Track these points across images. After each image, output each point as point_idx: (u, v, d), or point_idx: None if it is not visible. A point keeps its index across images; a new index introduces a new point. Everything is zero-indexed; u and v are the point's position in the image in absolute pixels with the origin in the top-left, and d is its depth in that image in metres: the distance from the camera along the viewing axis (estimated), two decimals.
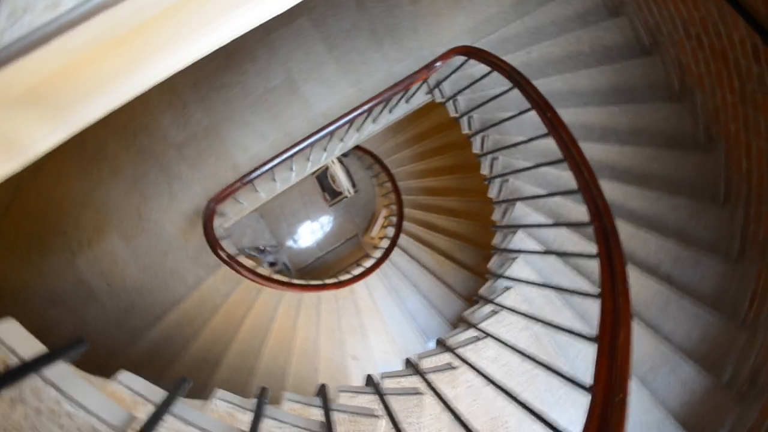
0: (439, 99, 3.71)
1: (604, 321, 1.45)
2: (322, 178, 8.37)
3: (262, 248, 8.25)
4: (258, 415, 1.20)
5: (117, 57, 0.76)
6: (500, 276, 2.67)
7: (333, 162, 7.72)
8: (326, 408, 1.36)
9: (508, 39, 3.63)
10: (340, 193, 8.25)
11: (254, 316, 4.21)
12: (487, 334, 2.19)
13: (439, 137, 6.99)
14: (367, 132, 3.91)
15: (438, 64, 2.98)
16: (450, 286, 5.78)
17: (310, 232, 8.86)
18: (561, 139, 2.24)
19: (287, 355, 4.06)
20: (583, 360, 2.58)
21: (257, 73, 3.59)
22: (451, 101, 3.58)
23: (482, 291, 2.81)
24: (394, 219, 6.76)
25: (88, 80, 0.77)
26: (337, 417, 1.54)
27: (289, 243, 8.72)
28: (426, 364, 2.15)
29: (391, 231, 6.56)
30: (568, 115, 3.27)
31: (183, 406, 1.16)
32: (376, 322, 5.81)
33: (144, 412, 0.97)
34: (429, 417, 1.91)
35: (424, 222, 6.75)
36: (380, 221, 7.83)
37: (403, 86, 3.03)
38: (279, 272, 7.96)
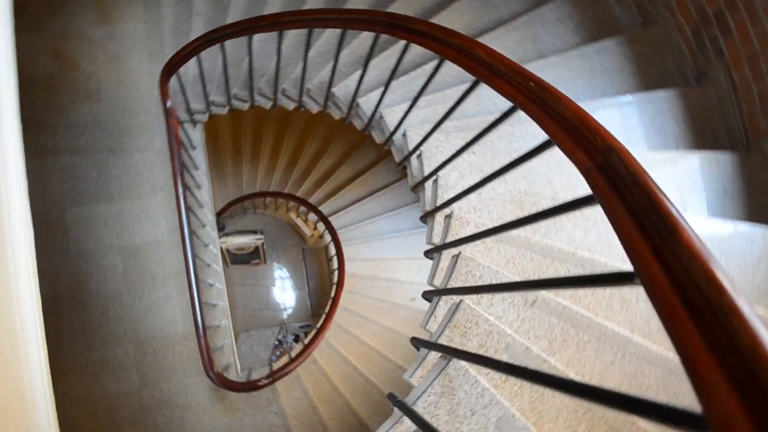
0: (203, 118, 3.61)
1: (467, 65, 1.50)
2: (234, 257, 8.19)
3: (278, 342, 8.18)
4: (410, 411, 1.24)
5: None
6: (392, 133, 2.69)
7: (224, 241, 7.54)
8: (429, 345, 1.41)
9: (177, 28, 3.52)
10: (256, 247, 8.11)
11: (335, 374, 4.24)
12: (439, 168, 2.24)
13: (247, 135, 6.88)
14: (206, 199, 3.82)
15: (169, 104, 2.88)
16: (390, 184, 5.88)
17: (283, 291, 8.78)
18: (287, 24, 2.25)
19: (383, 359, 4.13)
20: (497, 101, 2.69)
21: (104, 279, 3.41)
22: (212, 107, 3.49)
23: (397, 159, 2.82)
24: (302, 208, 6.73)
25: None
26: (444, 340, 1.60)
27: (284, 314, 8.64)
28: (436, 238, 2.21)
29: (313, 216, 6.55)
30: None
31: None
32: (392, 266, 5.91)
33: None
34: (489, 259, 1.99)
35: (318, 182, 6.75)
36: (300, 222, 7.79)
37: (176, 148, 2.91)
38: (306, 335, 7.95)
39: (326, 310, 5.22)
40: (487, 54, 1.37)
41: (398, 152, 2.74)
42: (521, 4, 3.05)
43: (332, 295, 5.42)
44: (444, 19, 3.06)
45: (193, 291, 3.04)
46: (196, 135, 3.71)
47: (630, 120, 2.77)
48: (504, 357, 1.56)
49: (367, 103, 2.87)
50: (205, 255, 3.70)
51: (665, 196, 0.73)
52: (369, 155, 6.21)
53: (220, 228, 7.37)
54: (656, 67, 2.93)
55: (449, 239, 2.01)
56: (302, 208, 6.78)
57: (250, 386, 3.40)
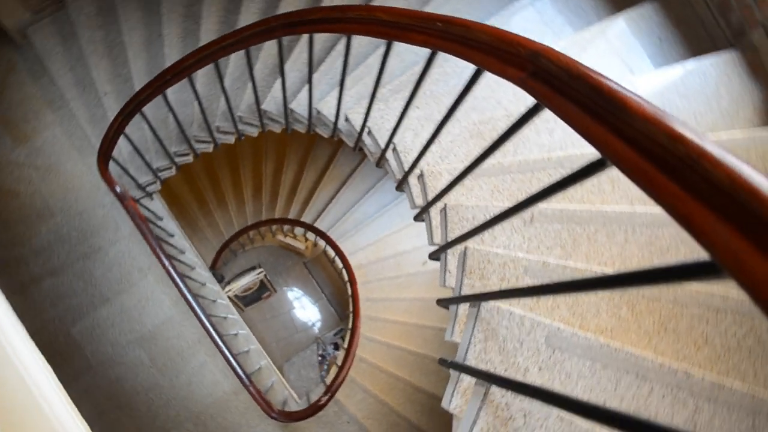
0: (156, 188, 3.58)
1: (373, 31, 1.50)
2: (243, 299, 8.16)
3: (320, 357, 8.26)
4: (464, 368, 1.26)
5: None
6: (335, 123, 2.68)
7: (229, 290, 7.53)
8: (455, 300, 1.44)
9: (92, 115, 3.46)
10: (260, 281, 8.09)
11: (386, 362, 4.31)
12: (392, 136, 2.24)
13: (204, 184, 6.84)
14: (194, 259, 3.81)
15: (118, 189, 2.84)
16: (356, 168, 5.90)
17: (303, 308, 8.82)
18: (192, 67, 2.22)
19: (422, 329, 4.18)
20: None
21: (135, 375, 3.40)
22: (160, 173, 3.45)
23: (351, 144, 2.80)
24: (286, 227, 6.74)
25: None
26: (466, 289, 1.62)
27: (315, 330, 8.69)
28: (418, 200, 2.22)
29: (299, 229, 6.55)
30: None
31: None
32: (391, 241, 5.97)
33: None
34: (474, 198, 2.01)
35: (289, 196, 6.75)
36: (291, 241, 7.78)
37: (144, 227, 2.88)
38: (342, 339, 8.02)
39: (349, 312, 5.26)
40: (387, 14, 1.38)
41: (349, 137, 2.73)
42: None
43: (349, 293, 5.46)
44: None
45: (222, 349, 3.05)
46: (158, 205, 3.69)
47: (546, 13, 2.78)
48: (526, 280, 1.58)
49: (299, 105, 2.86)
50: (217, 310, 3.70)
51: (603, 76, 0.75)
52: (325, 151, 6.20)
53: (220, 279, 7.34)
54: None
55: (430, 197, 2.02)
56: (286, 227, 6.78)
57: (314, 409, 3.44)
